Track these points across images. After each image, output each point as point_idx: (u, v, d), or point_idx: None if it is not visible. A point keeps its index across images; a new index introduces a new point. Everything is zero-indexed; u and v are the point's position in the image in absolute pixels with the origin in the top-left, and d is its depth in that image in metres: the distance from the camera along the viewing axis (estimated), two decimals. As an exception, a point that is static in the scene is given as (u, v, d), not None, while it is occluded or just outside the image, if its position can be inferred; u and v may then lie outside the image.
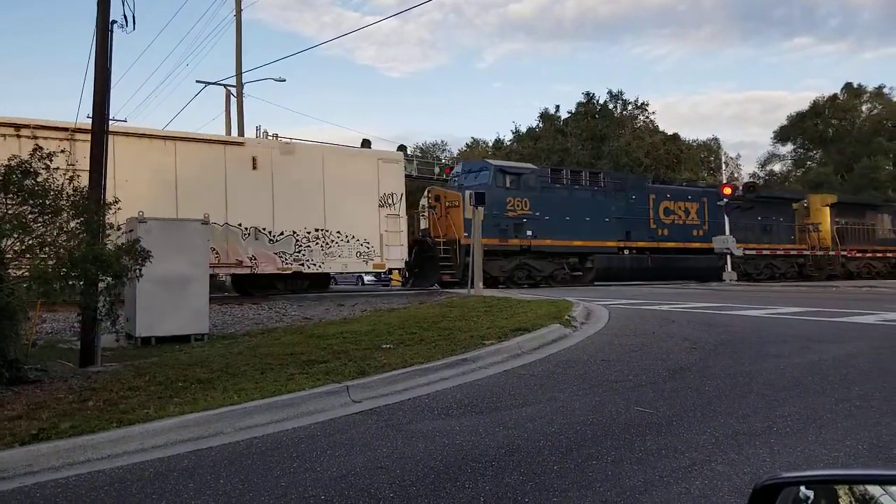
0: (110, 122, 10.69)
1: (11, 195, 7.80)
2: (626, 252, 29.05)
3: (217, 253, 19.61)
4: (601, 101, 58.70)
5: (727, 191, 30.39)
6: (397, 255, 23.35)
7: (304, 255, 21.40)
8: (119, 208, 9.41)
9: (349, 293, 25.86)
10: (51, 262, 7.69)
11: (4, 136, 16.77)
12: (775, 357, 8.43)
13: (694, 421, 5.58)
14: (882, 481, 1.52)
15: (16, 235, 7.64)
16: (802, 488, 1.54)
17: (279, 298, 20.22)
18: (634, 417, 5.77)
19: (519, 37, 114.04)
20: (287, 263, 21.09)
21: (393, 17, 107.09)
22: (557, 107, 60.79)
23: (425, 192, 27.36)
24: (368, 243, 22.57)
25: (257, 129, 32.78)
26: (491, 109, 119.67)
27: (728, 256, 29.57)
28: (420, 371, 7.62)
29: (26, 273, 7.66)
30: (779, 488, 1.53)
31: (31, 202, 7.90)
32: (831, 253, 34.95)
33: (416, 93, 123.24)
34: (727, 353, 8.85)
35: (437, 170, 37.05)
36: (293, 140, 25.17)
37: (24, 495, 4.36)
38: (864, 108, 66.17)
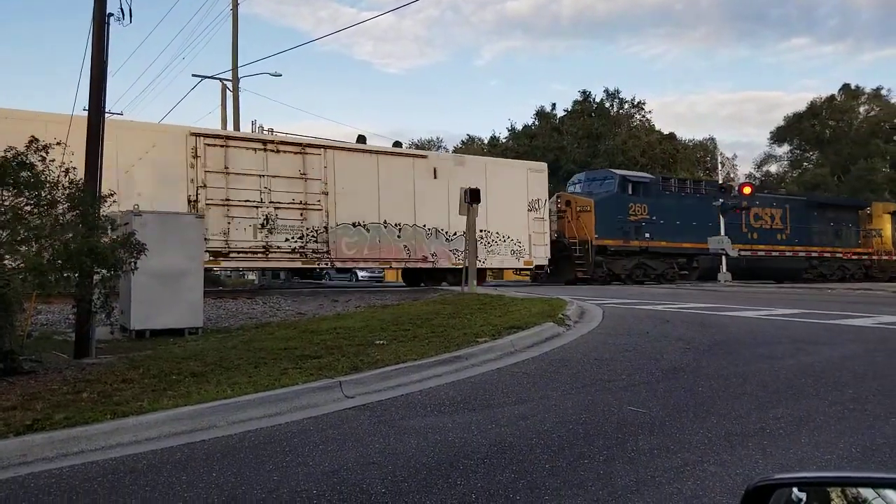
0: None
1: (7, 187, 7.78)
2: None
3: (408, 250, 23.76)
4: (597, 100, 58.79)
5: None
6: (542, 253, 26.92)
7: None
8: (115, 201, 9.40)
9: (343, 289, 25.85)
10: (46, 254, 7.67)
11: None
12: (769, 358, 8.45)
13: (687, 421, 5.59)
14: (875, 484, 1.53)
15: (11, 227, 7.63)
16: (795, 490, 1.55)
17: (273, 293, 20.30)
18: (627, 417, 5.79)
19: (516, 34, 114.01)
20: (458, 259, 23.51)
21: (389, 12, 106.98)
22: (554, 105, 60.91)
23: (554, 198, 30.07)
24: (520, 242, 26.09)
25: (253, 123, 32.73)
26: (487, 107, 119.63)
27: (724, 257, 29.94)
28: (413, 367, 7.63)
29: (22, 264, 7.64)
30: (771, 490, 1.54)
31: (27, 194, 7.88)
32: (895, 258, 38.68)
33: (413, 89, 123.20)
34: (721, 354, 8.87)
35: None
36: (287, 135, 25.68)
37: (17, 485, 4.36)
38: (861, 109, 66.32)
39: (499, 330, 10.01)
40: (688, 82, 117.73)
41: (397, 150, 26.61)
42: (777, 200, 35.91)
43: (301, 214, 22.06)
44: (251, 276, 31.46)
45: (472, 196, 19.26)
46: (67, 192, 8.21)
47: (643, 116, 60.76)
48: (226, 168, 20.88)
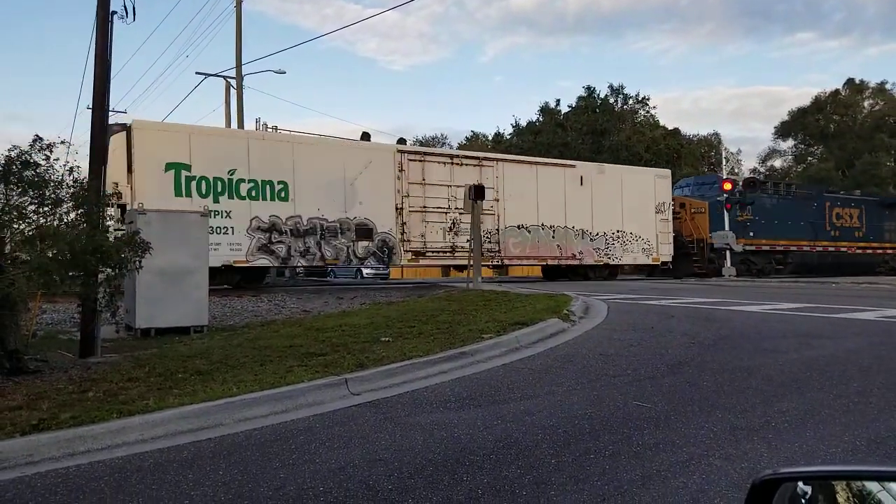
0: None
1: (12, 186, 7.80)
2: (812, 250, 35.31)
3: (560, 248, 27.53)
4: (602, 96, 58.62)
5: (727, 186, 32.30)
6: (667, 251, 30.47)
7: (610, 250, 28.75)
8: (117, 200, 9.42)
9: (348, 286, 25.87)
10: (51, 253, 7.69)
11: None
12: (774, 353, 8.44)
13: (692, 416, 5.59)
14: (880, 477, 1.53)
15: (15, 226, 7.65)
16: (800, 484, 1.55)
17: (278, 291, 20.33)
18: (632, 412, 5.78)
19: (520, 30, 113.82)
20: (600, 257, 28.48)
21: (394, 9, 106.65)
22: (558, 101, 60.78)
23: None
24: (649, 241, 29.77)
25: (257, 121, 32.69)
26: (491, 103, 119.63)
27: (728, 252, 30.51)
28: (419, 364, 7.63)
29: (27, 263, 7.66)
30: (777, 484, 1.54)
31: (32, 193, 7.90)
32: None
33: (417, 86, 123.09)
34: (726, 349, 8.86)
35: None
36: (293, 132, 26.08)
37: (24, 485, 4.37)
38: (865, 103, 66.06)
39: (504, 326, 10.01)
40: (693, 78, 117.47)
41: (551, 160, 30.33)
42: (854, 201, 39.19)
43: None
44: None
45: (476, 193, 19.27)
46: (72, 190, 8.23)
47: (647, 112, 60.59)
48: (423, 180, 24.61)
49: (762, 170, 68.34)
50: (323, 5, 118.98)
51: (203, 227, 12.20)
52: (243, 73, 30.97)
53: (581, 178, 28.20)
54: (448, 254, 25.34)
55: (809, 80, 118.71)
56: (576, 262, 28.14)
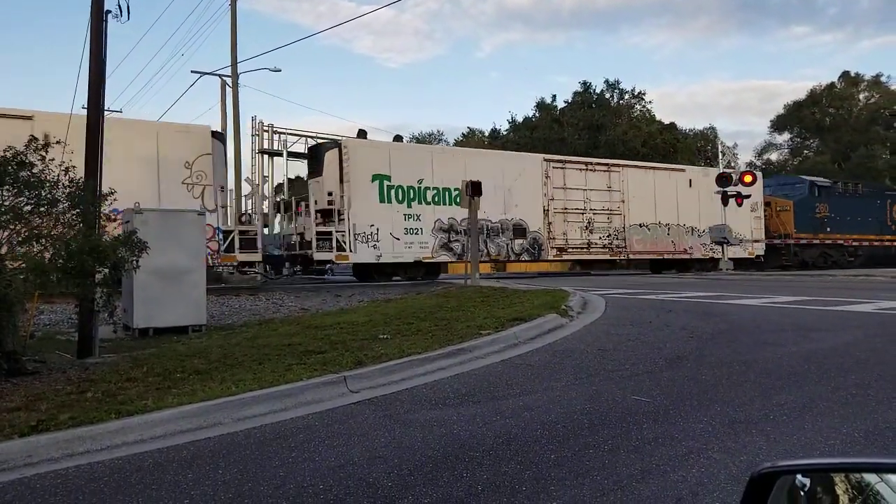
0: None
1: (7, 187, 7.78)
2: (881, 244, 39.25)
3: (674, 244, 32.18)
4: (598, 91, 58.58)
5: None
6: (760, 246, 34.93)
7: (714, 246, 32.15)
8: (114, 199, 9.40)
9: (346, 284, 25.86)
10: (47, 254, 7.67)
11: None
12: (772, 346, 8.46)
13: (691, 409, 5.60)
14: (878, 469, 1.53)
15: (12, 227, 7.63)
16: (799, 476, 1.55)
17: (276, 289, 20.34)
18: (631, 406, 5.79)
19: (516, 26, 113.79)
20: (706, 251, 32.79)
21: (388, 6, 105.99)
22: (554, 96, 60.70)
23: None
24: (745, 237, 33.70)
25: (253, 119, 32.62)
26: (487, 99, 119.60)
27: (724, 245, 30.55)
28: (417, 361, 7.63)
29: (23, 264, 7.64)
30: (775, 476, 1.54)
31: (27, 194, 7.88)
32: None
33: (413, 83, 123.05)
34: (724, 342, 8.87)
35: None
36: (288, 130, 26.44)
37: (24, 486, 4.37)
38: (861, 96, 66.03)
39: (502, 322, 10.01)
40: (688, 72, 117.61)
41: (666, 165, 35.22)
42: None
43: (608, 218, 30.54)
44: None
45: (474, 189, 19.24)
46: (68, 190, 8.21)
47: (644, 107, 60.51)
48: (564, 184, 29.32)
49: (758, 163, 68.33)
50: (317, 3, 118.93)
51: (200, 227, 12.19)
52: (239, 72, 30.97)
53: (690, 180, 32.77)
54: (584, 250, 30.10)
55: (805, 73, 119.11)
56: (686, 256, 32.44)
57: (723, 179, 31.64)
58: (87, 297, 8.45)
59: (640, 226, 31.13)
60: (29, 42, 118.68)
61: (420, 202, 25.57)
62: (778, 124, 68.81)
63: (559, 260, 31.03)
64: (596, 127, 54.50)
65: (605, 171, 30.43)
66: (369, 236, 24.67)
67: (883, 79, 64.30)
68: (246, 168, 28.74)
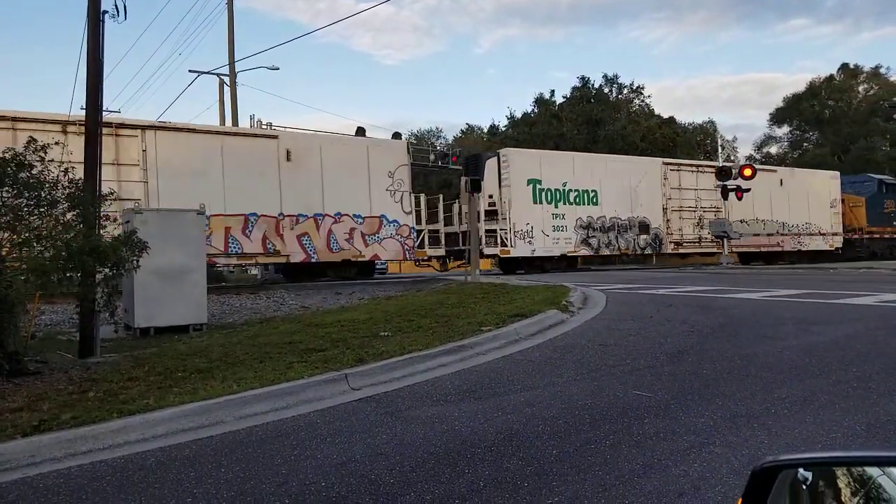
0: (110, 114, 10.66)
1: (7, 188, 7.78)
2: None
3: (769, 238, 35.66)
4: (596, 86, 58.51)
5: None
6: (838, 239, 38.45)
7: (801, 239, 36.92)
8: (114, 199, 9.40)
9: (347, 282, 25.86)
10: (48, 254, 7.67)
11: None
12: (773, 339, 8.46)
13: (692, 404, 5.60)
14: (880, 462, 1.53)
15: (12, 228, 7.63)
16: (801, 470, 1.55)
17: (277, 288, 20.37)
18: (632, 401, 5.79)
19: (514, 22, 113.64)
20: (795, 245, 36.74)
21: (386, 2, 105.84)
22: (553, 92, 60.64)
23: None
24: (825, 231, 37.88)
25: (251, 118, 32.61)
26: (486, 95, 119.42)
27: (725, 240, 30.69)
28: (418, 358, 7.63)
29: (24, 265, 7.64)
30: (777, 470, 1.54)
31: (27, 195, 7.88)
32: None
33: (412, 80, 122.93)
34: (725, 337, 8.87)
35: (432, 157, 36.96)
36: (287, 128, 26.27)
37: (27, 486, 4.37)
38: (860, 88, 66.06)
39: (503, 318, 10.01)
40: (687, 66, 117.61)
41: (761, 167, 38.76)
42: None
43: (714, 216, 33.31)
44: (254, 272, 32.33)
45: (473, 185, 19.23)
46: (67, 191, 8.21)
47: (642, 101, 60.51)
48: (679, 185, 33.24)
49: (758, 157, 68.31)
50: (315, 0, 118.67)
51: (199, 227, 12.18)
52: (237, 71, 30.98)
53: (781, 180, 36.49)
54: (696, 244, 33.73)
55: (803, 66, 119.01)
56: (779, 249, 36.08)
57: (722, 173, 31.78)
58: (87, 298, 8.45)
59: (741, 222, 33.89)
60: (27, 42, 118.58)
61: (564, 202, 29.46)
62: (777, 117, 68.82)
63: (677, 253, 34.21)
64: (595, 122, 54.48)
65: (712, 172, 33.56)
66: (525, 233, 28.52)
67: (882, 70, 64.48)
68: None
